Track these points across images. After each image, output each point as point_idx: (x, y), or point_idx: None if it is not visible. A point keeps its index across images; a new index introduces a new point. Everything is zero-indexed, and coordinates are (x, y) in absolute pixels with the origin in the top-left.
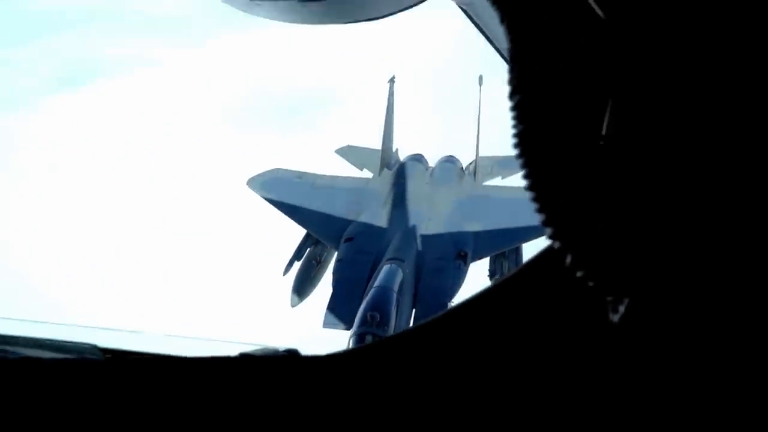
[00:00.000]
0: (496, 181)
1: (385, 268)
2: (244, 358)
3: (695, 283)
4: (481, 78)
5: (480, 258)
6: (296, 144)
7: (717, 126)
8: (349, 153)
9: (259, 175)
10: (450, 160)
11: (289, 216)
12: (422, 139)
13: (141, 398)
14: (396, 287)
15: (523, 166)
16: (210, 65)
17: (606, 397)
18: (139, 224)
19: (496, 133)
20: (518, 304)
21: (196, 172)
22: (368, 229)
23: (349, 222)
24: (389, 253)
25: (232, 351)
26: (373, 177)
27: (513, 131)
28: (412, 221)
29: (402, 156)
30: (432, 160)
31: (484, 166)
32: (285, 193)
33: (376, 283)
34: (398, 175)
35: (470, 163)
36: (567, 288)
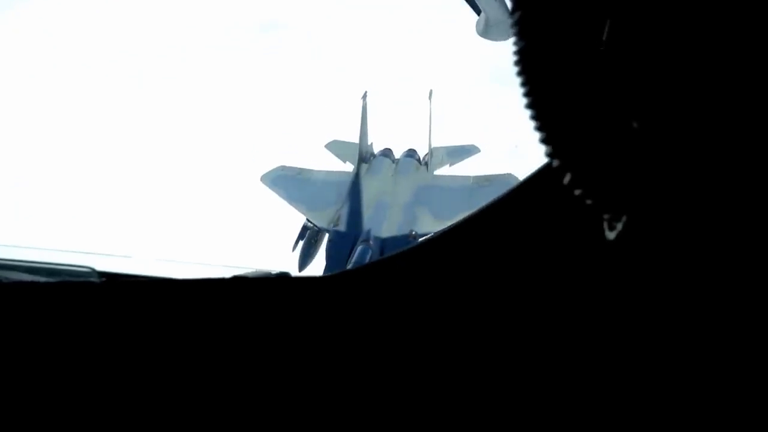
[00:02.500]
0: (445, 169)
1: (358, 249)
2: (238, 279)
3: (695, 199)
4: (431, 92)
5: (426, 235)
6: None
7: (723, 35)
8: (335, 147)
9: (269, 172)
10: (410, 154)
11: (293, 206)
12: (396, 128)
13: (140, 319)
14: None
15: (524, 84)
16: None
17: (601, 313)
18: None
19: (448, 130)
20: (513, 222)
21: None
22: (348, 216)
23: (336, 210)
24: (362, 236)
25: (226, 274)
26: (353, 170)
27: (514, 48)
28: (378, 211)
29: (377, 149)
30: (399, 152)
31: (436, 156)
32: (288, 187)
33: (352, 260)
34: (370, 169)
35: (426, 155)
36: (562, 206)
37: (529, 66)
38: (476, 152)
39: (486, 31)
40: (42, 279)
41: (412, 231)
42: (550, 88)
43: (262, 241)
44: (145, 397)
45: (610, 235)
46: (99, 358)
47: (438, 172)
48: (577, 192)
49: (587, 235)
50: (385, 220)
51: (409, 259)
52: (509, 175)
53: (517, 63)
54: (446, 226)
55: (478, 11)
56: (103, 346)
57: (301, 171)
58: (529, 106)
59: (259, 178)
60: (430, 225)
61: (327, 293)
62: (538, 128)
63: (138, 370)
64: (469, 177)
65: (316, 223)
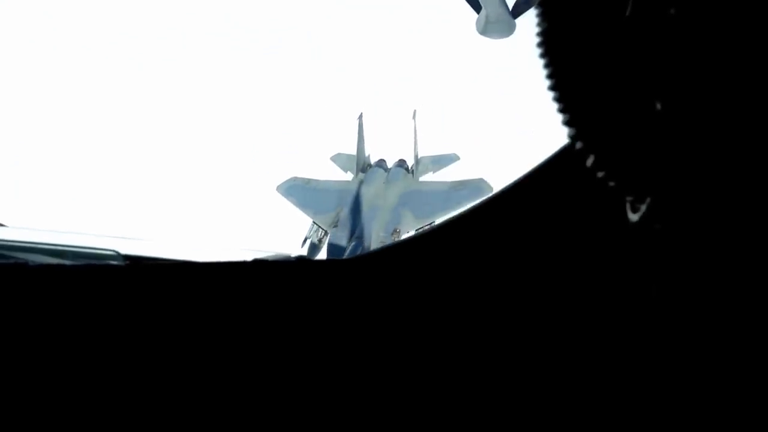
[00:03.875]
0: (429, 176)
1: (351, 245)
2: (258, 262)
3: (721, 181)
4: (415, 112)
5: (408, 232)
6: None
7: (744, 21)
8: (338, 159)
9: (283, 183)
10: (400, 164)
11: (302, 211)
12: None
13: (164, 300)
14: None
15: (547, 65)
16: None
17: (620, 295)
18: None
19: (433, 141)
20: (532, 205)
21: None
22: (346, 219)
23: (336, 214)
24: (356, 234)
25: (247, 257)
26: (351, 180)
27: (537, 30)
28: (370, 213)
29: (373, 159)
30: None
31: (423, 164)
32: (299, 195)
33: (347, 254)
34: (366, 178)
35: (413, 164)
36: (581, 189)
37: (552, 47)
38: (456, 160)
39: (486, 28)
40: (68, 262)
41: (396, 228)
42: (573, 69)
43: (274, 236)
44: (170, 375)
45: (633, 217)
46: (125, 338)
47: (423, 178)
48: (600, 174)
49: (608, 218)
50: (376, 221)
51: (411, 246)
52: (481, 180)
53: (540, 44)
54: (452, 216)
55: (477, 9)
56: (129, 327)
57: (309, 181)
58: (552, 87)
59: (275, 188)
60: (412, 223)
61: (341, 274)
62: (562, 110)
63: (163, 350)
64: (446, 182)
65: (320, 225)
